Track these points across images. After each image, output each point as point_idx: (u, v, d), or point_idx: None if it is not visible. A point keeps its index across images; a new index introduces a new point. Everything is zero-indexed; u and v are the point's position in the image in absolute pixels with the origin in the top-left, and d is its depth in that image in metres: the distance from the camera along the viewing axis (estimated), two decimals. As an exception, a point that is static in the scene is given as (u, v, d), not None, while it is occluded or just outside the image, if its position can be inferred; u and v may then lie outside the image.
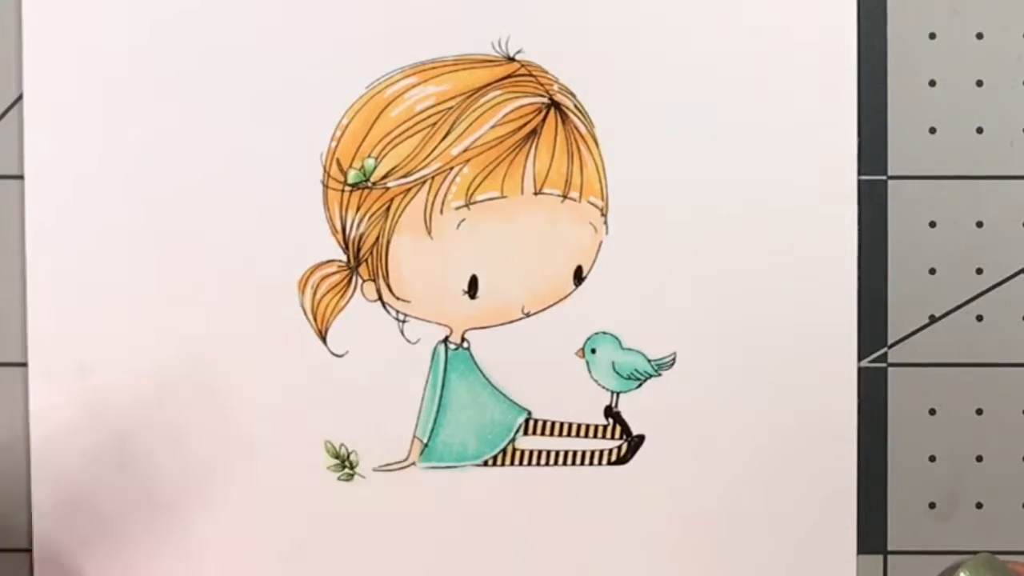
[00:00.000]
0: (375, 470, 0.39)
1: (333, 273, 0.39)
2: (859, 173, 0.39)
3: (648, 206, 0.39)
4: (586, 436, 0.40)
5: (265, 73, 0.39)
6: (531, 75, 0.39)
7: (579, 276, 0.39)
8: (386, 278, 0.39)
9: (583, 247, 0.39)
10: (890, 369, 0.40)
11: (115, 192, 0.39)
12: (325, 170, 0.39)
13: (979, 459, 0.40)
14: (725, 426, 0.39)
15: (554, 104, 0.39)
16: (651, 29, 0.39)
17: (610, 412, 0.40)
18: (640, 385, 0.40)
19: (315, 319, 0.39)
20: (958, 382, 0.40)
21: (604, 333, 0.39)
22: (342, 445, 0.39)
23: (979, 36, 0.40)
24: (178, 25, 0.39)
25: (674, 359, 0.39)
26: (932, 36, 0.40)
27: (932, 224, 0.40)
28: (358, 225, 0.39)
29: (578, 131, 0.39)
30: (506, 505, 0.40)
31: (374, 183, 0.39)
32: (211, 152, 0.39)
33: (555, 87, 0.39)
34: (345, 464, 0.39)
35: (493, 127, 0.39)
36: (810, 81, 0.39)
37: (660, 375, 0.39)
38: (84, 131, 0.39)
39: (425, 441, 0.39)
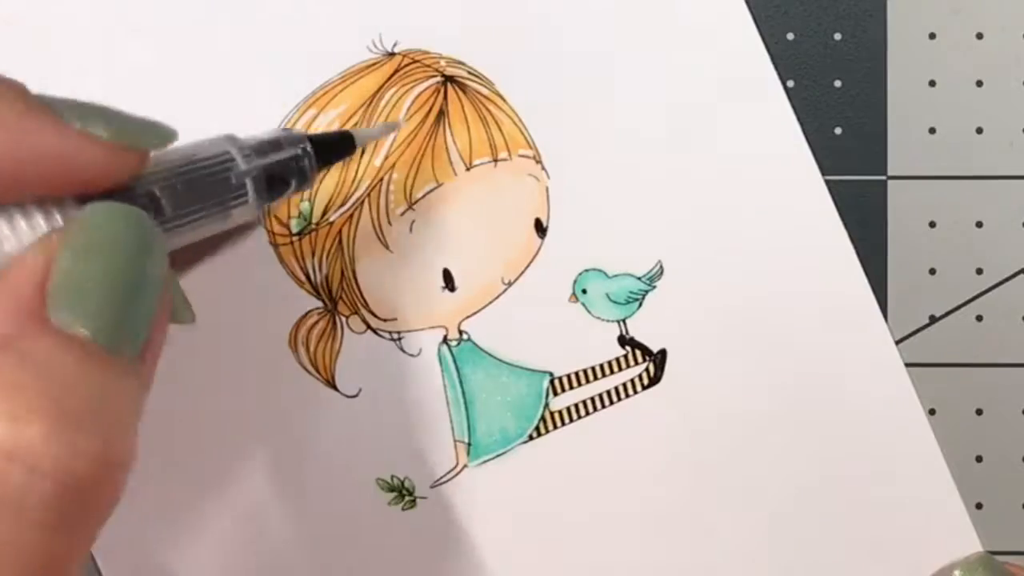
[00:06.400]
0: (432, 486, 0.39)
1: (316, 322, 0.39)
2: (859, 173, 0.39)
3: (577, 138, 0.39)
4: (612, 372, 0.39)
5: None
6: (416, 61, 0.39)
7: (541, 228, 0.39)
8: (366, 306, 0.39)
9: (533, 200, 0.39)
10: (891, 370, 0.40)
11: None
12: (268, 231, 0.39)
13: (979, 459, 0.40)
14: (737, 328, 0.39)
15: (448, 79, 0.39)
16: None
17: (624, 340, 0.39)
18: (640, 304, 0.39)
19: (318, 371, 0.39)
20: (958, 382, 0.40)
21: (588, 270, 0.39)
22: (393, 476, 0.39)
23: (979, 36, 0.39)
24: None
25: (661, 267, 0.39)
26: (932, 36, 0.39)
27: (932, 224, 0.40)
28: (319, 268, 0.39)
29: (481, 95, 0.39)
30: (564, 469, 0.39)
31: (317, 223, 0.39)
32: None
33: (442, 63, 0.39)
34: (403, 492, 0.39)
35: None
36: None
37: (655, 287, 0.39)
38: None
39: (467, 441, 0.39)
